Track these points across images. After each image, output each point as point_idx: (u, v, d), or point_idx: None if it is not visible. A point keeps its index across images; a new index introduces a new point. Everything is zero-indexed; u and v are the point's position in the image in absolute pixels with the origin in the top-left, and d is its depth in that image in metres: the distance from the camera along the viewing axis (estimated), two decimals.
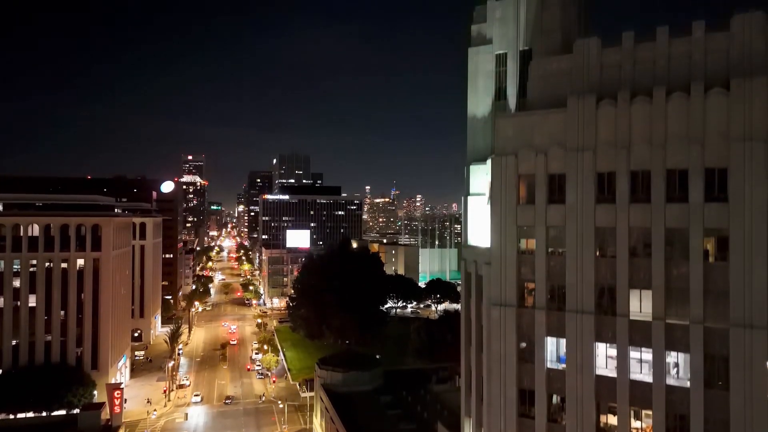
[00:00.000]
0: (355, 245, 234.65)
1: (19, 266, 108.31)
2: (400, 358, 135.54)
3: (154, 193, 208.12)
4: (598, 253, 38.16)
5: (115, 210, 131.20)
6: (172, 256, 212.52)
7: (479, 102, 45.73)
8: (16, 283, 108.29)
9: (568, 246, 38.39)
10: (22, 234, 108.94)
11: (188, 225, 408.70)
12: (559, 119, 38.68)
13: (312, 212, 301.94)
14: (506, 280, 40.59)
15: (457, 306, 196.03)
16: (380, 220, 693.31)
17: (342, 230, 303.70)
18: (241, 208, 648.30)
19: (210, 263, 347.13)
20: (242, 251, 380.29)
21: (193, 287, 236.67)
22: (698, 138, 34.62)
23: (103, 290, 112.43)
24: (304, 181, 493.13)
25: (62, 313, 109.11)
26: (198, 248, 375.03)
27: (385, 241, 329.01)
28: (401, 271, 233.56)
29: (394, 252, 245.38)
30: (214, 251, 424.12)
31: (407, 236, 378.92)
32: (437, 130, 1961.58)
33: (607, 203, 37.33)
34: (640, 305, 37.00)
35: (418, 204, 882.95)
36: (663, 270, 36.01)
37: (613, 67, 38.46)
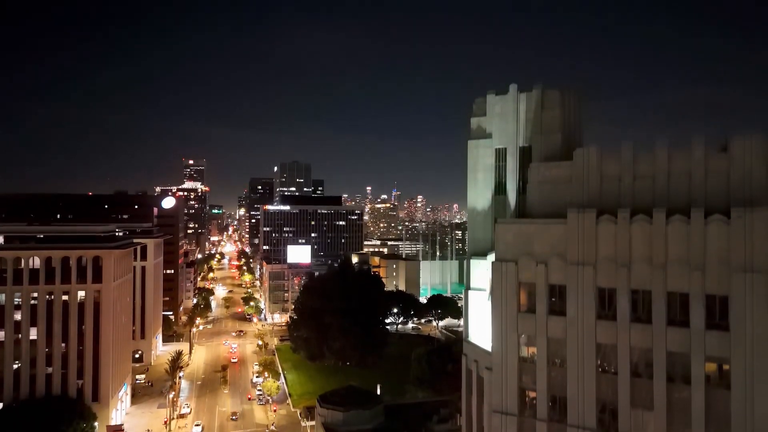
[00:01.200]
0: (355, 259, 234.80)
1: (20, 299, 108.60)
2: (400, 385, 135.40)
3: (155, 210, 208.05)
4: (599, 369, 38.00)
5: (116, 232, 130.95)
6: (173, 271, 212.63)
7: (479, 195, 45.63)
8: (17, 316, 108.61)
9: (569, 359, 38.33)
10: (23, 266, 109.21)
11: (189, 232, 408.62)
12: (559, 231, 38.56)
13: (313, 222, 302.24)
14: (507, 388, 40.56)
15: (457, 322, 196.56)
16: (381, 225, 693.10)
17: (343, 240, 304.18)
18: (242, 211, 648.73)
19: (211, 273, 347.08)
20: (243, 259, 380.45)
21: (194, 301, 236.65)
22: (699, 263, 34.52)
23: (104, 322, 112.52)
24: (305, 189, 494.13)
25: (63, 345, 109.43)
26: (199, 255, 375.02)
27: (385, 251, 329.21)
28: (402, 286, 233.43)
29: (395, 266, 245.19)
30: (216, 259, 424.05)
31: (408, 243, 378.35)
32: (438, 130, 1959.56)
33: (608, 320, 37.31)
34: (643, 425, 36.84)
35: (419, 205, 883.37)
36: (665, 392, 35.94)
37: (613, 178, 38.36)
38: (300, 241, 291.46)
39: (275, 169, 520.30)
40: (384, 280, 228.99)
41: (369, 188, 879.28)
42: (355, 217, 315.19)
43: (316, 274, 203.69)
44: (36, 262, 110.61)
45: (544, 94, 43.68)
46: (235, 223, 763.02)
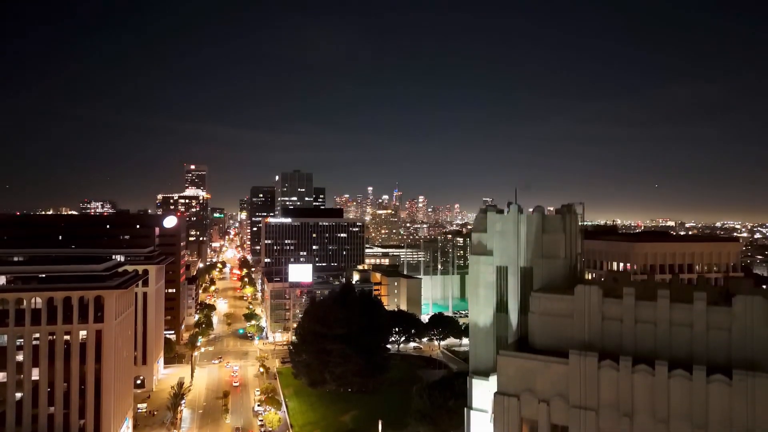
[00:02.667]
0: (357, 276, 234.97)
1: (22, 340, 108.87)
2: (401, 417, 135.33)
3: (157, 229, 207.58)
4: None
5: (118, 267, 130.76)
6: (174, 290, 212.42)
7: (480, 312, 45.53)
8: (20, 357, 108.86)
9: None
10: (25, 307, 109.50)
11: (191, 240, 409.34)
12: (561, 371, 38.50)
13: (314, 235, 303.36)
14: None
15: (458, 341, 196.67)
16: (383, 231, 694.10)
17: (344, 252, 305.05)
18: (243, 215, 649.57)
19: (213, 286, 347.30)
20: (245, 269, 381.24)
21: (196, 318, 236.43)
22: (701, 422, 34.47)
23: (106, 360, 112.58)
24: (306, 198, 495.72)
25: (65, 385, 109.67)
26: (201, 265, 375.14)
27: (387, 261, 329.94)
28: (403, 305, 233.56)
29: (396, 284, 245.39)
30: (217, 269, 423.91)
31: (410, 251, 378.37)
32: (440, 130, 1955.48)
33: None
34: None
35: (420, 205, 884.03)
36: None
37: (615, 319, 38.29)
38: (301, 253, 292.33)
39: (276, 178, 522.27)
40: (385, 298, 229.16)
41: (370, 189, 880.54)
42: (357, 229, 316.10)
43: (318, 292, 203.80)
44: (38, 302, 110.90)
45: (545, 218, 43.53)
46: (237, 225, 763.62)
